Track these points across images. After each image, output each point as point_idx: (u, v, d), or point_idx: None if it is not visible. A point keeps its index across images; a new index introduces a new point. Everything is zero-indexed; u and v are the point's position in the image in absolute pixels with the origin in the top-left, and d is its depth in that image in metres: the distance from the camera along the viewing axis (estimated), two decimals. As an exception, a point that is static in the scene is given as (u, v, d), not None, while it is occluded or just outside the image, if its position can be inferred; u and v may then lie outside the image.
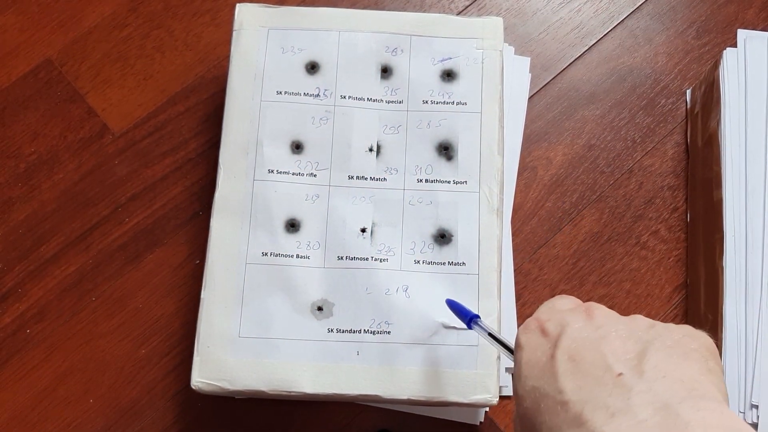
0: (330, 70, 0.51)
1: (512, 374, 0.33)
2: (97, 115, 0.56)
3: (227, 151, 0.49)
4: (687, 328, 0.30)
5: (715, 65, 0.53)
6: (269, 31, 0.51)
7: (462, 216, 0.48)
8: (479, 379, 0.44)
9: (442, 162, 0.49)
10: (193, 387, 0.44)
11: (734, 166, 0.49)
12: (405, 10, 0.57)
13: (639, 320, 0.31)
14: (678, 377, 0.27)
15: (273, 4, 0.52)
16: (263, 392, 0.44)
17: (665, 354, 0.28)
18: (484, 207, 0.48)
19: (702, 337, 0.30)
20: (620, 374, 0.27)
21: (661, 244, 0.54)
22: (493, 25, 0.52)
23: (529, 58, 0.58)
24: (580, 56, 0.58)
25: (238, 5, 0.52)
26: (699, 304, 0.50)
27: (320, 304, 0.46)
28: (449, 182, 0.49)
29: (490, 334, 0.40)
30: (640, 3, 0.60)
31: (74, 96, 0.56)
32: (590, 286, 0.53)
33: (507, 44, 0.57)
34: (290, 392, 0.44)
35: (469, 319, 0.42)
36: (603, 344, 0.29)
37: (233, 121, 0.49)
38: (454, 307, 0.44)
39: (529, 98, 0.57)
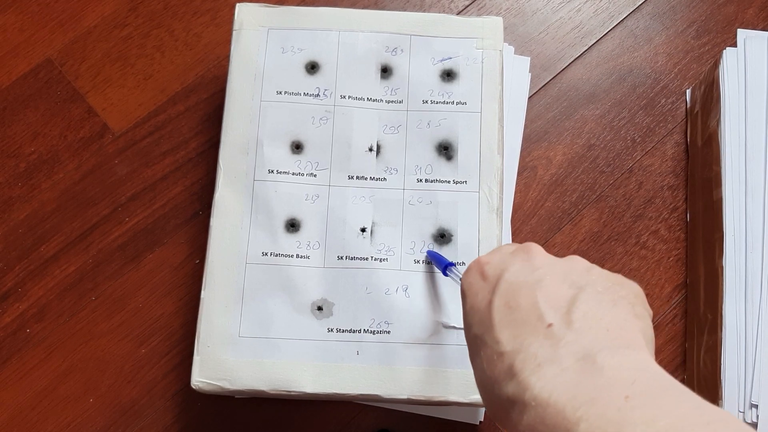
0: (330, 70, 0.51)
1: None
2: (97, 115, 0.56)
3: (227, 151, 0.49)
4: (618, 277, 0.31)
5: (715, 65, 0.53)
6: (269, 31, 0.51)
7: (462, 216, 0.48)
8: (479, 379, 0.44)
9: (442, 162, 0.49)
10: (193, 387, 0.44)
11: (734, 165, 0.49)
12: (405, 10, 0.57)
13: (576, 262, 0.32)
14: (604, 326, 0.28)
15: (273, 4, 0.52)
16: (263, 392, 0.44)
17: (595, 301, 0.29)
18: (483, 207, 0.48)
19: (630, 285, 0.31)
20: (550, 324, 0.29)
21: (660, 243, 0.54)
22: (493, 24, 0.52)
23: (528, 58, 0.58)
24: (579, 56, 0.58)
25: (238, 5, 0.52)
26: (699, 303, 0.50)
27: (320, 304, 0.46)
28: (449, 182, 0.49)
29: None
30: (639, 3, 0.60)
31: (74, 96, 0.56)
32: (590, 286, 0.53)
33: (507, 44, 0.57)
34: (290, 392, 0.44)
35: (445, 266, 0.44)
36: (538, 289, 0.30)
37: (233, 121, 0.49)
38: (433, 256, 0.46)
39: (529, 98, 0.57)
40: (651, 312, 0.31)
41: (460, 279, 0.42)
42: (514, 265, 0.32)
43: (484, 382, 0.30)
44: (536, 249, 0.33)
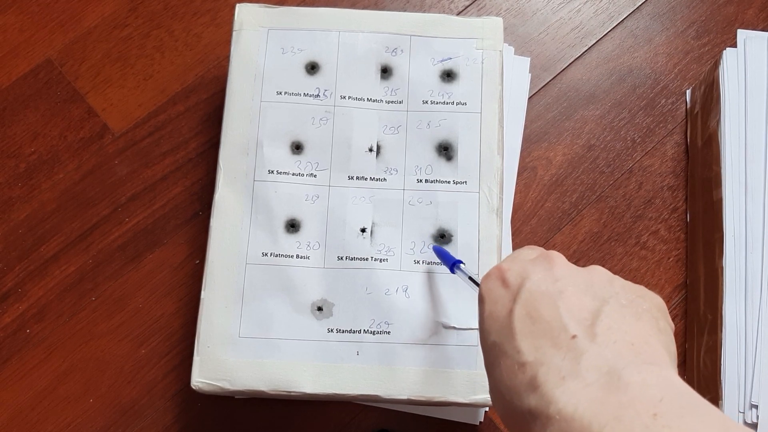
0: (330, 70, 0.51)
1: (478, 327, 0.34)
2: (97, 115, 0.56)
3: (227, 151, 0.49)
4: (642, 289, 0.31)
5: (715, 65, 0.53)
6: (269, 31, 0.51)
7: (462, 216, 0.48)
8: (479, 379, 0.44)
9: (442, 162, 0.49)
10: (193, 387, 0.44)
11: (734, 165, 0.49)
12: (405, 10, 0.57)
13: (598, 273, 0.32)
14: (629, 340, 0.28)
15: (273, 4, 0.52)
16: (263, 392, 0.44)
17: (619, 315, 0.29)
18: (483, 207, 0.48)
19: (654, 298, 0.31)
20: (574, 336, 0.28)
21: (660, 244, 0.54)
22: (493, 25, 0.52)
23: (528, 58, 0.58)
24: (579, 56, 0.58)
25: (238, 5, 0.52)
26: (699, 303, 0.50)
27: (320, 304, 0.46)
28: (449, 182, 0.49)
29: (470, 278, 0.42)
30: (640, 3, 0.60)
31: (74, 96, 0.56)
32: (590, 286, 0.53)
33: (507, 44, 0.57)
34: (290, 392, 0.44)
35: (452, 264, 0.44)
36: (560, 300, 0.30)
37: (233, 121, 0.49)
38: (440, 252, 0.46)
39: (529, 98, 0.57)
40: (673, 326, 0.31)
41: (470, 278, 0.42)
42: (535, 274, 0.32)
43: (501, 391, 0.30)
44: (558, 258, 0.33)
